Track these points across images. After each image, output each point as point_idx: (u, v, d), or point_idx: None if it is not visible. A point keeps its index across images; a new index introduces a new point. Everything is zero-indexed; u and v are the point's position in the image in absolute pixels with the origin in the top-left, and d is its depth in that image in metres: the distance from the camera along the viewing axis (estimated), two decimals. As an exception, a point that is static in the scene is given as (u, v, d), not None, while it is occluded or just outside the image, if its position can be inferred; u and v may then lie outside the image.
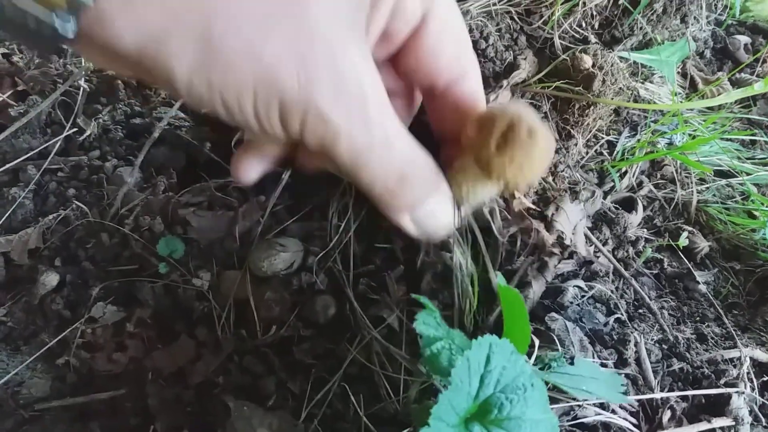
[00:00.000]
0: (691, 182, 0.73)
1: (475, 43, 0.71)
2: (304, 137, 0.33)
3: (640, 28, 0.76)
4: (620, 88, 0.72)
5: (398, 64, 0.42)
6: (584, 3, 0.73)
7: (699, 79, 0.87)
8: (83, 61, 0.70)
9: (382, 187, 0.36)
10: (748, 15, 0.94)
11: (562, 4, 0.73)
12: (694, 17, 0.80)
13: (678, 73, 0.87)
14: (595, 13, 0.74)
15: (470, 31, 0.71)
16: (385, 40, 0.40)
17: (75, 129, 0.68)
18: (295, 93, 0.30)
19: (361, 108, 0.33)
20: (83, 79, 0.69)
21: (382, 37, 0.39)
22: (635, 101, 0.78)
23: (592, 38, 0.75)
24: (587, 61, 0.70)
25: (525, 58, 0.71)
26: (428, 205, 0.39)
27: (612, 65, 0.70)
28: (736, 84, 0.88)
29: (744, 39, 0.91)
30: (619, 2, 0.74)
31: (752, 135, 0.81)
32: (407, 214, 0.39)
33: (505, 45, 0.72)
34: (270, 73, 0.29)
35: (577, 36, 0.75)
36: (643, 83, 0.81)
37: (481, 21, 0.71)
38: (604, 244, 0.65)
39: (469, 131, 0.39)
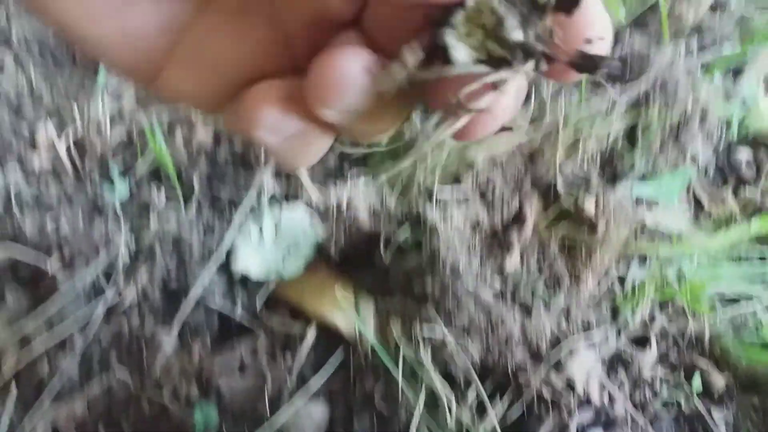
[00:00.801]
0: (703, 314, 0.75)
1: (482, 195, 0.75)
2: None
3: (641, 162, 0.80)
4: (626, 227, 0.76)
5: None
6: (584, 144, 0.78)
7: (704, 199, 0.90)
8: (123, 223, 0.77)
9: None
10: (747, 129, 0.98)
11: (564, 146, 0.78)
12: (694, 140, 0.84)
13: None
14: (595, 152, 0.79)
15: (476, 183, 0.76)
16: None
17: (116, 294, 0.73)
18: None
19: None
20: (124, 244, 0.75)
21: None
22: (641, 232, 0.81)
23: (595, 176, 0.79)
24: (590, 206, 0.74)
25: (531, 205, 0.75)
26: None
27: (614, 209, 0.74)
28: (741, 201, 0.90)
29: (746, 154, 0.95)
30: (618, 142, 0.79)
31: (762, 257, 0.83)
32: None
33: (511, 190, 0.76)
34: None
35: (580, 175, 0.79)
36: (649, 210, 0.85)
37: (487, 174, 0.75)
38: (619, 388, 0.68)
39: None
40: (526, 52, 0.20)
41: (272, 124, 0.23)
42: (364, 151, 0.81)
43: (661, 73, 0.74)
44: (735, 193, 0.92)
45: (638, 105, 0.75)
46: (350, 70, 0.21)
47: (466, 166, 0.77)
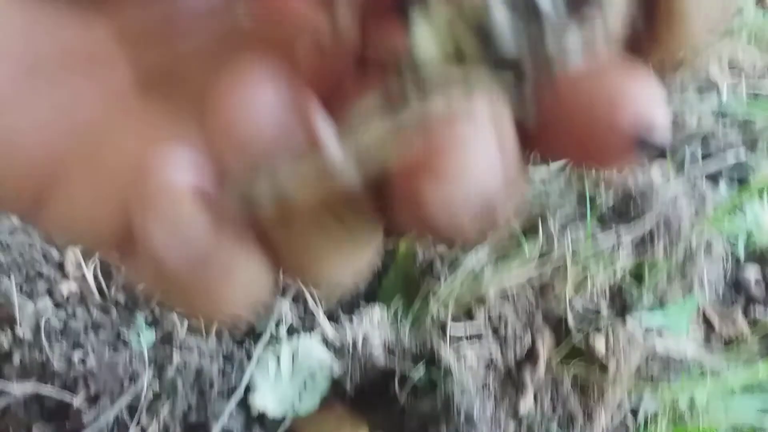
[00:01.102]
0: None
1: (495, 330, 0.77)
2: None
3: (649, 295, 0.82)
4: (636, 362, 0.77)
5: None
6: (593, 280, 0.80)
7: (714, 320, 0.92)
8: (147, 360, 0.79)
9: None
10: (755, 245, 1.00)
11: (573, 281, 0.80)
12: (700, 273, 0.85)
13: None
14: (604, 286, 0.81)
15: (489, 318, 0.78)
16: None
17: (139, 430, 0.76)
18: None
19: None
20: (147, 380, 0.77)
21: None
22: (653, 359, 0.82)
23: (604, 309, 0.81)
24: (600, 345, 0.76)
25: (543, 340, 0.77)
26: None
27: (625, 344, 0.76)
28: (751, 321, 0.92)
29: (755, 273, 0.97)
30: (626, 277, 0.81)
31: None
32: None
33: (523, 325, 0.79)
34: None
35: (590, 309, 0.81)
36: (660, 337, 0.86)
37: (498, 309, 0.78)
38: None
39: None
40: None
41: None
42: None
43: (665, 209, 0.76)
44: (745, 312, 0.94)
45: (643, 243, 0.77)
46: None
47: (478, 299, 0.80)
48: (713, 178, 1.13)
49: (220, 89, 0.15)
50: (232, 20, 0.19)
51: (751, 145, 1.17)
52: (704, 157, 1.15)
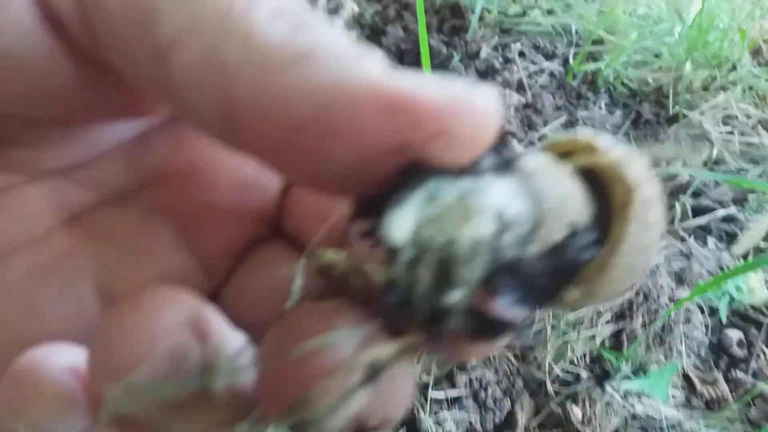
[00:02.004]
0: None
1: (475, 394, 0.79)
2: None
3: (628, 361, 0.83)
4: (614, 427, 0.78)
5: None
6: (573, 346, 0.81)
7: (696, 380, 0.93)
8: None
9: (280, 31, 0.14)
10: (740, 303, 1.01)
11: (553, 347, 0.81)
12: (681, 341, 0.86)
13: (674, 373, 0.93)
14: (584, 353, 0.82)
15: (470, 382, 0.79)
16: None
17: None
18: None
19: None
20: None
21: None
22: (631, 424, 0.83)
23: (584, 374, 0.82)
24: (577, 413, 0.77)
25: (522, 406, 0.78)
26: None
27: (602, 412, 0.77)
28: (732, 382, 0.93)
29: (736, 334, 0.97)
30: (606, 343, 0.82)
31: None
32: (367, 60, 0.15)
33: (503, 390, 0.80)
34: None
35: (570, 374, 0.82)
36: (639, 399, 0.87)
37: (479, 372, 0.79)
38: None
39: None
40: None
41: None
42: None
43: (644, 280, 0.77)
44: (727, 374, 0.95)
45: (623, 311, 0.78)
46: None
47: (461, 362, 0.81)
48: (703, 232, 1.14)
49: (115, 315, 0.16)
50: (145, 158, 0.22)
51: (742, 199, 1.18)
52: (695, 210, 1.16)
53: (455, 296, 0.15)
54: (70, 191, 0.21)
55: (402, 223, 0.14)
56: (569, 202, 0.17)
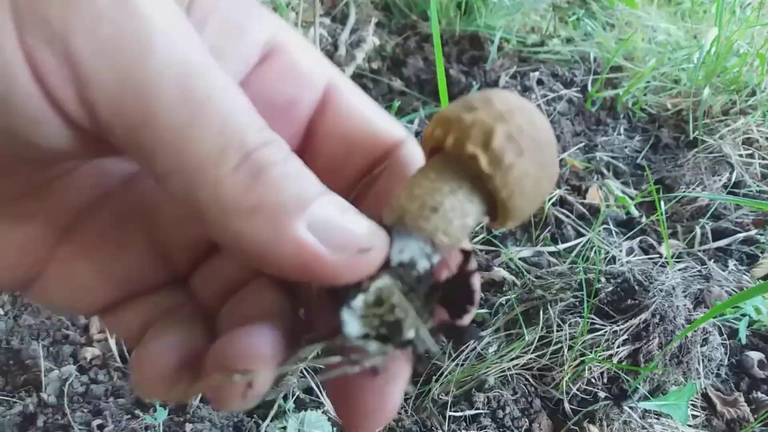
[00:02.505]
0: None
1: (493, 413, 0.80)
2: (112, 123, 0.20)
3: (646, 381, 0.84)
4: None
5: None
6: (590, 366, 0.82)
7: (716, 400, 0.93)
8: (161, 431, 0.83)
9: (240, 183, 0.20)
10: (760, 324, 1.01)
11: (571, 367, 0.82)
12: (699, 361, 0.87)
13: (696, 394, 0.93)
14: (602, 373, 0.83)
15: (488, 401, 0.80)
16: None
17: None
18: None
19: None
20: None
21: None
22: (651, 445, 0.83)
23: (601, 394, 0.83)
24: (595, 430, 0.78)
25: (540, 425, 0.79)
26: (322, 206, 0.22)
27: (620, 429, 0.78)
28: (753, 403, 0.93)
29: (757, 355, 0.97)
30: (623, 363, 0.83)
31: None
32: (298, 219, 0.21)
33: (521, 409, 0.81)
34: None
35: (588, 393, 0.83)
36: (658, 419, 0.87)
37: (498, 392, 0.80)
38: None
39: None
40: (410, 346, 0.23)
41: (166, 392, 0.24)
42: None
43: (661, 301, 0.78)
44: (748, 394, 0.94)
45: (639, 335, 0.79)
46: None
47: (479, 382, 0.82)
48: (723, 255, 1.14)
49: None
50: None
51: (763, 221, 1.18)
52: (715, 233, 1.16)
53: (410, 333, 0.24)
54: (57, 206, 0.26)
55: (351, 323, 0.22)
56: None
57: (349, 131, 0.27)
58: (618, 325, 0.80)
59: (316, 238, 0.21)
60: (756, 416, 0.92)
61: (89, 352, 0.95)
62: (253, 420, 0.86)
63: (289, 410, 0.84)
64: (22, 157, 0.22)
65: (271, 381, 0.23)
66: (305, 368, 0.89)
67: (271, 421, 0.84)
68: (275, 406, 0.85)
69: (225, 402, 0.22)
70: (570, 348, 0.80)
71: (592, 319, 0.82)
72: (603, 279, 0.84)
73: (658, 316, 0.78)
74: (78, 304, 0.27)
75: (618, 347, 0.79)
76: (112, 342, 0.95)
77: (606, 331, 0.80)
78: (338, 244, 0.21)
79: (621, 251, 1.06)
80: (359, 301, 0.22)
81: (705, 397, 0.94)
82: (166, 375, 0.24)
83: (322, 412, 0.82)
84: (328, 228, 0.21)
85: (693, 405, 0.90)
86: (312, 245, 0.21)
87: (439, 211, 0.24)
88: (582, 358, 0.80)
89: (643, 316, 0.78)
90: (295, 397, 0.86)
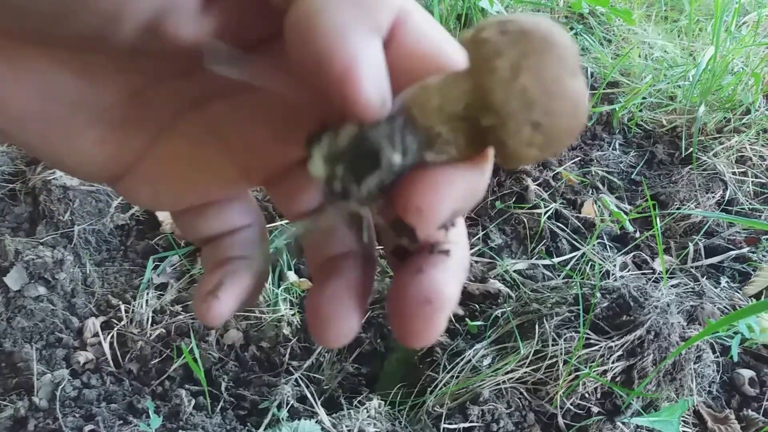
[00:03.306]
0: None
1: (487, 426, 0.80)
2: None
3: (639, 397, 0.84)
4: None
5: None
6: (584, 383, 0.82)
7: (708, 417, 0.93)
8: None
9: None
10: (752, 342, 1.01)
11: (565, 381, 0.83)
12: (692, 379, 0.87)
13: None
14: (596, 388, 0.83)
15: (482, 414, 0.81)
16: None
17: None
18: None
19: None
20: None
21: None
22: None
23: (595, 409, 0.83)
24: (588, 448, 0.78)
25: (533, 439, 0.80)
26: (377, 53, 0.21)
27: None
28: (744, 421, 0.93)
29: (748, 373, 0.98)
30: (617, 379, 0.83)
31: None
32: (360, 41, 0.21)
33: (515, 423, 0.81)
34: None
35: (581, 408, 0.83)
36: (650, 434, 0.88)
37: (492, 405, 0.81)
38: None
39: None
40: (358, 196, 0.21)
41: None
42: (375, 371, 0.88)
43: (656, 318, 0.79)
44: (738, 412, 0.95)
45: (633, 351, 0.80)
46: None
47: (474, 395, 0.83)
48: (715, 272, 1.15)
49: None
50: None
51: (756, 239, 1.19)
52: (708, 250, 1.17)
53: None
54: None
55: (317, 163, 0.21)
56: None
57: (420, 52, 0.25)
58: (613, 341, 0.80)
59: (365, 69, 0.20)
60: (746, 433, 0.93)
61: (82, 356, 0.94)
62: (246, 428, 0.86)
63: (282, 419, 0.84)
64: (127, 63, 0.23)
65: None
66: (299, 378, 0.90)
67: (265, 429, 0.84)
68: (269, 415, 0.85)
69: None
70: (565, 363, 0.81)
71: (588, 334, 0.82)
72: (598, 294, 0.84)
73: (653, 333, 0.79)
74: (160, 202, 0.28)
75: (613, 363, 0.80)
76: (105, 346, 0.95)
77: (601, 347, 0.81)
78: (373, 86, 0.20)
79: (615, 266, 1.07)
80: (332, 139, 0.21)
81: (696, 413, 0.94)
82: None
83: (316, 422, 0.82)
84: (376, 71, 0.20)
85: (684, 421, 0.90)
86: (359, 72, 0.19)
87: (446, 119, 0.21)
88: (577, 373, 0.81)
89: (638, 332, 0.79)
90: (289, 406, 0.86)
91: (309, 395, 0.85)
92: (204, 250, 0.29)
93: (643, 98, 1.44)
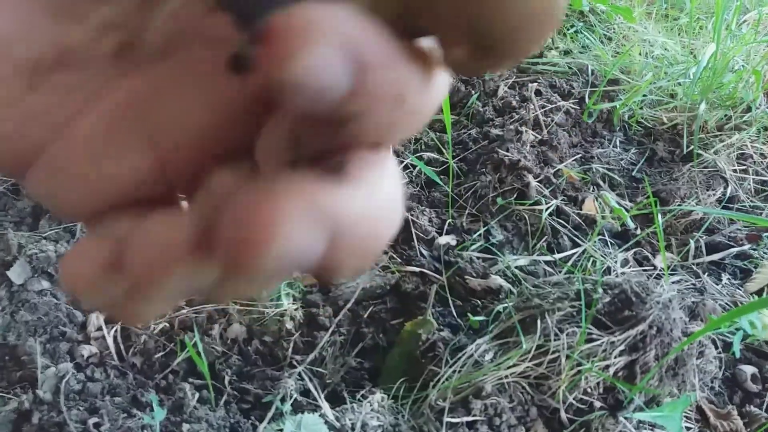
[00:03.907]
0: None
1: (489, 420, 0.80)
2: None
3: (641, 392, 0.85)
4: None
5: None
6: (586, 378, 0.83)
7: (710, 413, 0.94)
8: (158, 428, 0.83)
9: None
10: (754, 338, 1.02)
11: (567, 376, 0.83)
12: (694, 374, 0.88)
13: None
14: (598, 382, 0.84)
15: (485, 408, 0.81)
16: None
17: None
18: None
19: None
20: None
21: None
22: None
23: (597, 404, 0.83)
24: (591, 441, 0.78)
25: (535, 433, 0.80)
26: None
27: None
28: (746, 417, 0.94)
29: (750, 369, 0.99)
30: (619, 374, 0.84)
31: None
32: None
33: (518, 417, 0.81)
34: None
35: (583, 403, 0.84)
36: (652, 430, 0.88)
37: (495, 399, 0.81)
38: None
39: None
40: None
41: (91, 295, 0.21)
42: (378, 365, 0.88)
43: (658, 313, 0.80)
44: (741, 408, 0.95)
45: (636, 346, 0.80)
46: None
47: (476, 389, 0.83)
48: (716, 269, 1.15)
49: None
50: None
51: (757, 236, 1.19)
52: (709, 247, 1.18)
53: None
54: None
55: None
56: None
57: None
58: (615, 336, 0.81)
59: None
60: (748, 430, 0.93)
61: (86, 350, 0.94)
62: (250, 422, 0.86)
63: (286, 413, 0.84)
64: None
65: None
66: (303, 371, 0.90)
67: (269, 423, 0.84)
68: (273, 408, 0.85)
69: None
70: (567, 357, 0.81)
71: (589, 329, 0.83)
72: (600, 290, 0.85)
73: (655, 328, 0.79)
74: (66, 202, 0.22)
75: (615, 358, 0.80)
76: (109, 340, 0.95)
77: (603, 342, 0.81)
78: None
79: (616, 262, 1.08)
80: None
81: (698, 409, 0.95)
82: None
83: (320, 415, 0.82)
84: None
85: (687, 417, 0.91)
86: None
87: None
88: (579, 368, 0.81)
89: (641, 327, 0.79)
90: (292, 400, 0.87)
91: (312, 389, 0.85)
92: None
93: (644, 96, 1.44)
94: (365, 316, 0.99)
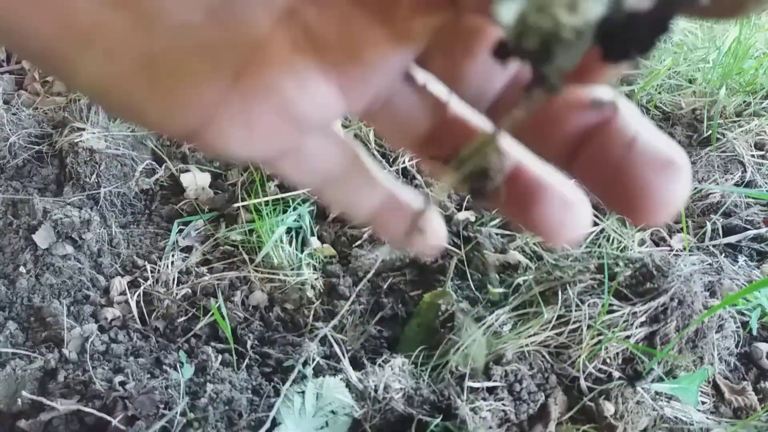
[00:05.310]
0: None
1: (510, 386, 0.82)
2: None
3: (660, 364, 0.85)
4: (643, 426, 0.80)
5: None
6: (607, 346, 0.84)
7: (725, 388, 0.95)
8: (182, 387, 0.84)
9: None
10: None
11: (588, 346, 0.84)
12: (713, 347, 0.89)
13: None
14: (618, 352, 0.85)
15: (505, 375, 0.82)
16: None
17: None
18: None
19: None
20: (181, 407, 0.83)
21: None
22: (662, 420, 0.85)
23: (616, 374, 0.84)
24: (609, 408, 0.79)
25: (555, 400, 0.81)
26: None
27: (633, 411, 0.79)
28: (760, 393, 0.95)
29: (766, 347, 0.99)
30: (639, 344, 0.84)
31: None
32: None
33: (537, 384, 0.82)
34: None
35: (603, 372, 0.84)
36: (668, 401, 0.89)
37: (515, 366, 0.82)
38: None
39: None
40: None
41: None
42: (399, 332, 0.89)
43: (679, 286, 0.80)
44: (756, 384, 0.96)
45: (656, 317, 0.81)
46: None
47: (497, 356, 0.84)
48: (733, 251, 1.16)
49: None
50: None
51: (773, 221, 1.20)
52: (725, 229, 1.18)
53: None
54: None
55: (510, 8, 0.15)
56: None
57: None
58: (637, 307, 0.81)
59: None
60: (763, 406, 0.94)
61: (110, 313, 0.96)
62: (272, 384, 0.88)
63: (308, 375, 0.86)
64: None
65: None
66: (327, 333, 0.91)
67: (291, 385, 0.86)
68: (295, 371, 0.86)
69: None
70: (589, 327, 0.82)
71: (611, 300, 0.83)
72: (621, 264, 0.85)
73: (676, 300, 0.80)
74: (256, 146, 0.21)
75: (636, 328, 0.81)
76: (132, 304, 0.97)
77: (624, 313, 0.82)
78: None
79: (633, 242, 1.08)
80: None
81: (714, 384, 0.96)
82: None
83: (341, 379, 0.83)
84: None
85: (702, 392, 0.92)
86: None
87: None
88: (599, 338, 0.82)
89: (662, 299, 0.80)
90: (315, 363, 0.88)
91: (338, 350, 0.86)
92: None
93: (663, 81, 1.44)
94: (385, 286, 1.00)
